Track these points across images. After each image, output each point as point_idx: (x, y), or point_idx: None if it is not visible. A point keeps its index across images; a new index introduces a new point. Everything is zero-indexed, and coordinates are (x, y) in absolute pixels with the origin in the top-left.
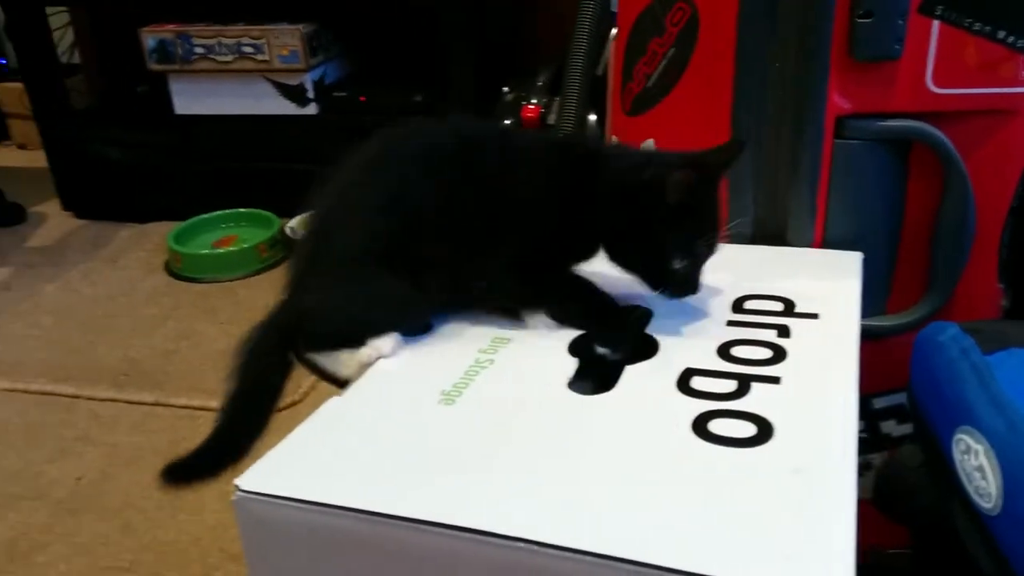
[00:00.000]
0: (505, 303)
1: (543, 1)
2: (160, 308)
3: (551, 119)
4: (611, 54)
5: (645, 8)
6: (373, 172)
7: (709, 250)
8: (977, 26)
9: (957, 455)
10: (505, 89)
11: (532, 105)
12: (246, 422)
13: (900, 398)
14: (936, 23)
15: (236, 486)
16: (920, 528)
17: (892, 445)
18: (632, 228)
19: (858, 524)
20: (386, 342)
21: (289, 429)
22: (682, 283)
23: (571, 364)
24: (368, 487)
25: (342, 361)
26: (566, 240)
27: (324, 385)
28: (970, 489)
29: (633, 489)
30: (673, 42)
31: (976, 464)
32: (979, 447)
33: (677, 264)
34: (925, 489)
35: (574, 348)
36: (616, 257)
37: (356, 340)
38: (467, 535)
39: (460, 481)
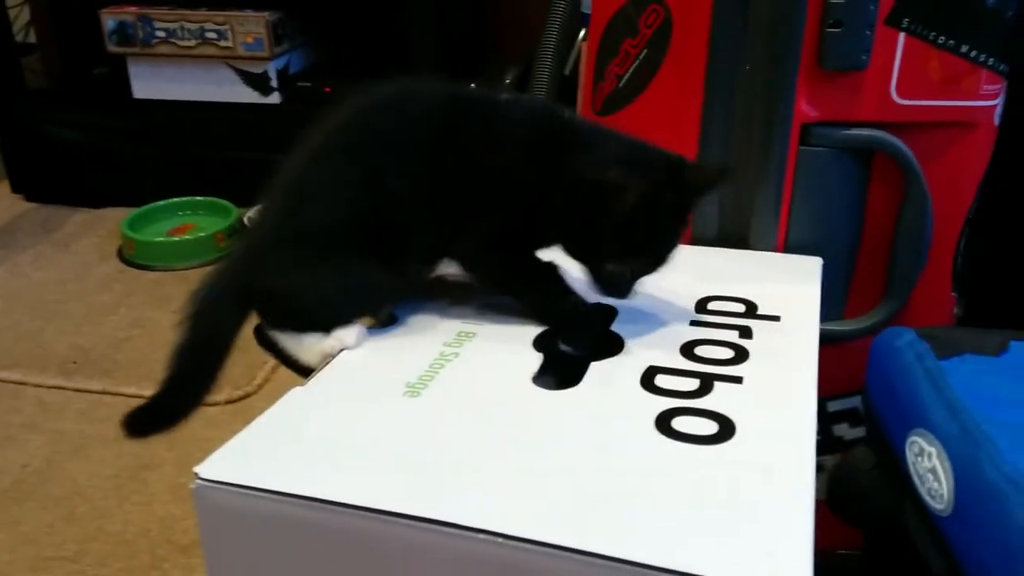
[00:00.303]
0: (479, 285)
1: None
2: (112, 295)
3: None
4: (583, 53)
5: (619, 9)
6: (346, 141)
7: (645, 268)
8: (941, 39)
9: (910, 457)
10: (472, 86)
11: None
12: (199, 373)
13: (854, 402)
14: (902, 35)
15: (196, 474)
16: (872, 529)
17: (844, 448)
18: (580, 221)
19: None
20: (350, 333)
21: (244, 420)
22: (608, 285)
23: (536, 359)
24: (329, 477)
25: (305, 346)
26: (538, 221)
27: (279, 377)
28: (922, 491)
29: (596, 483)
30: (646, 43)
31: (929, 466)
32: (932, 449)
33: (610, 267)
34: (878, 490)
35: (539, 343)
36: (563, 242)
37: (323, 325)
38: (429, 526)
39: (423, 473)
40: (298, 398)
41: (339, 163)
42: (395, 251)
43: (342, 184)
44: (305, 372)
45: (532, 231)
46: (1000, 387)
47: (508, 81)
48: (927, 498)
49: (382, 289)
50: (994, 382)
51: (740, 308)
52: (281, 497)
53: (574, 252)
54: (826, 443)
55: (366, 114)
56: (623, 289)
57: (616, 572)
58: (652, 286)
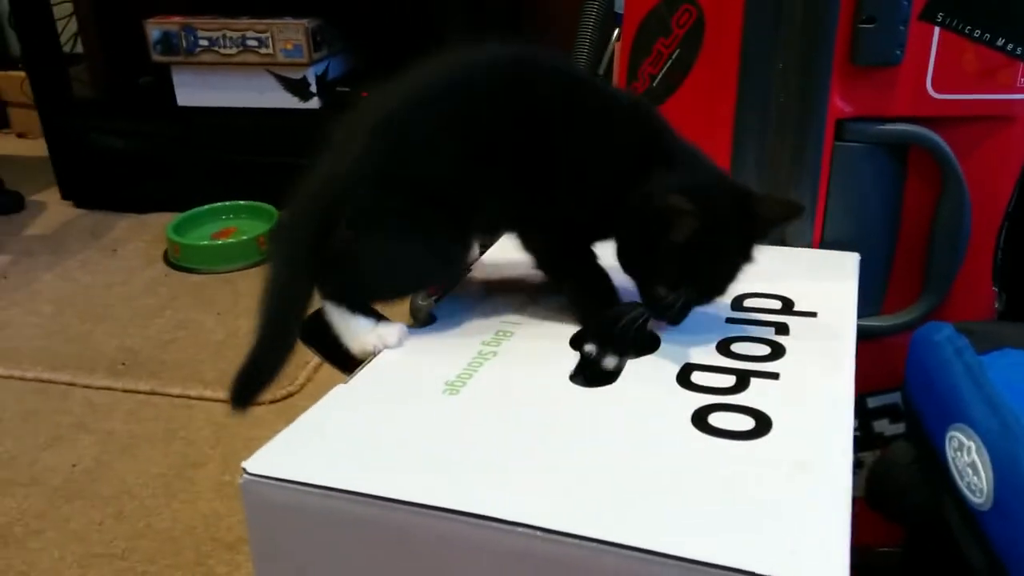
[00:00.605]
0: (533, 266)
1: (544, 7)
2: (158, 298)
3: None
4: (616, 53)
5: (651, 9)
6: (450, 95)
7: (699, 297)
8: (977, 33)
9: (950, 452)
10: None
11: None
12: (283, 326)
13: (893, 398)
14: (937, 29)
15: (243, 469)
16: (912, 525)
17: (884, 444)
18: (640, 239)
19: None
20: (392, 333)
21: (288, 419)
22: (655, 307)
23: (573, 357)
24: (373, 472)
25: (352, 331)
26: (603, 223)
27: (321, 377)
28: (962, 485)
29: (632, 478)
30: (679, 43)
31: (969, 460)
32: (972, 444)
33: (662, 292)
34: (917, 486)
35: (576, 342)
36: (620, 254)
37: (384, 292)
38: (470, 520)
39: (463, 468)
40: (341, 396)
41: (444, 115)
42: (466, 219)
43: (447, 137)
44: (347, 369)
45: (596, 229)
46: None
47: None
48: (967, 492)
49: (450, 261)
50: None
51: (777, 305)
52: (327, 492)
53: (627, 266)
54: (866, 439)
55: (473, 73)
56: (673, 315)
57: (649, 564)
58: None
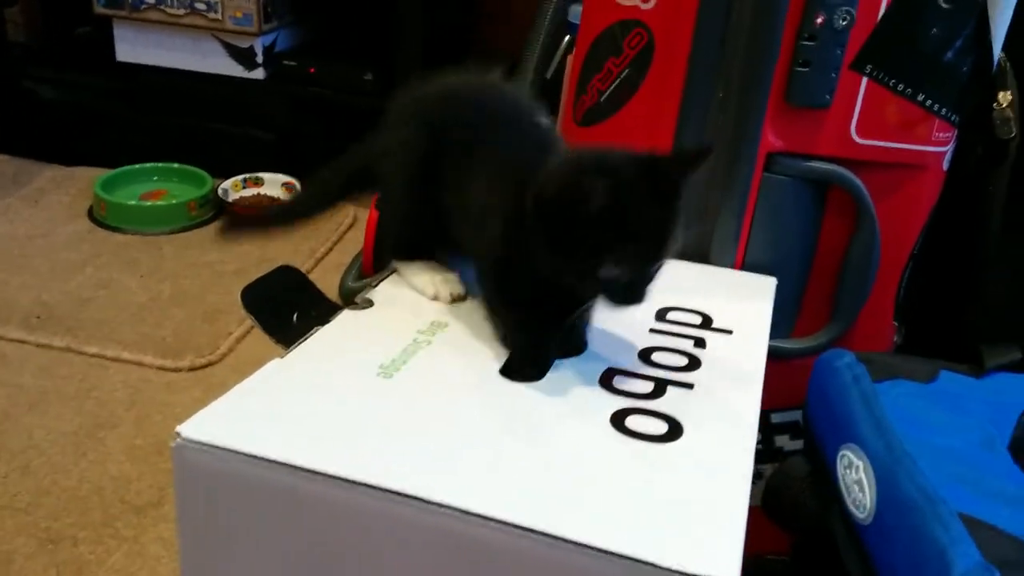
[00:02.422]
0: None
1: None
2: (79, 254)
3: None
4: (568, 65)
5: (606, 28)
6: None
7: (643, 265)
8: (901, 87)
9: (840, 469)
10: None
11: None
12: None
13: (795, 415)
14: (865, 80)
15: (177, 433)
16: (802, 534)
17: (783, 458)
18: (556, 237)
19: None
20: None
21: (205, 388)
22: (613, 294)
23: (503, 353)
24: (304, 446)
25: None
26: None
27: (243, 348)
28: (848, 500)
29: (553, 469)
30: (628, 63)
31: (856, 478)
32: (860, 463)
33: (605, 272)
34: (809, 499)
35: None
36: (545, 268)
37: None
38: (393, 497)
39: (393, 448)
40: (276, 369)
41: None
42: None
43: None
44: (285, 341)
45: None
46: (927, 411)
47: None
48: (852, 507)
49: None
50: (922, 406)
51: (697, 320)
52: (257, 460)
53: (559, 273)
54: (767, 452)
55: (435, 99)
56: (634, 294)
57: (559, 550)
58: None
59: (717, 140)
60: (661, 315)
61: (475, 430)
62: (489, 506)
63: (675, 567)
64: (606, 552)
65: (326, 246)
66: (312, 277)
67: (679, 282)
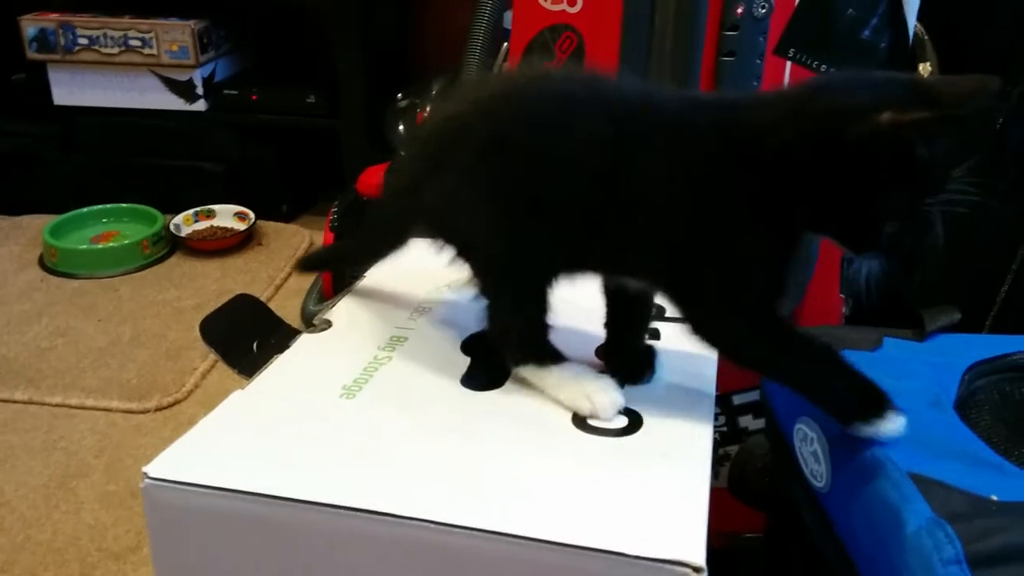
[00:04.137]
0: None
1: (435, 10)
2: (33, 304)
3: None
4: (503, 73)
5: (536, 34)
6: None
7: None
8: (823, 67)
9: (797, 442)
10: (399, 95)
11: (426, 112)
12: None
13: (756, 395)
14: (789, 64)
15: (144, 473)
16: (770, 510)
17: (747, 438)
18: (845, 188)
19: (719, 510)
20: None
21: (174, 426)
22: (896, 252)
23: (464, 362)
24: (271, 474)
25: (554, 381)
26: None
27: (209, 383)
28: (807, 471)
29: (519, 473)
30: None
31: (812, 450)
32: (813, 435)
33: (889, 229)
34: (771, 474)
35: (466, 347)
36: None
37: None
38: (365, 515)
39: (361, 467)
40: (239, 401)
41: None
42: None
43: None
44: (245, 371)
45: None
46: (874, 378)
47: (434, 92)
48: (810, 478)
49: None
50: (868, 373)
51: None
52: (226, 493)
53: (844, 236)
54: (732, 434)
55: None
56: (909, 247)
57: (530, 549)
58: (573, 293)
59: None
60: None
61: (439, 441)
62: (459, 515)
63: (643, 554)
64: (575, 547)
65: (284, 272)
66: (273, 304)
67: None
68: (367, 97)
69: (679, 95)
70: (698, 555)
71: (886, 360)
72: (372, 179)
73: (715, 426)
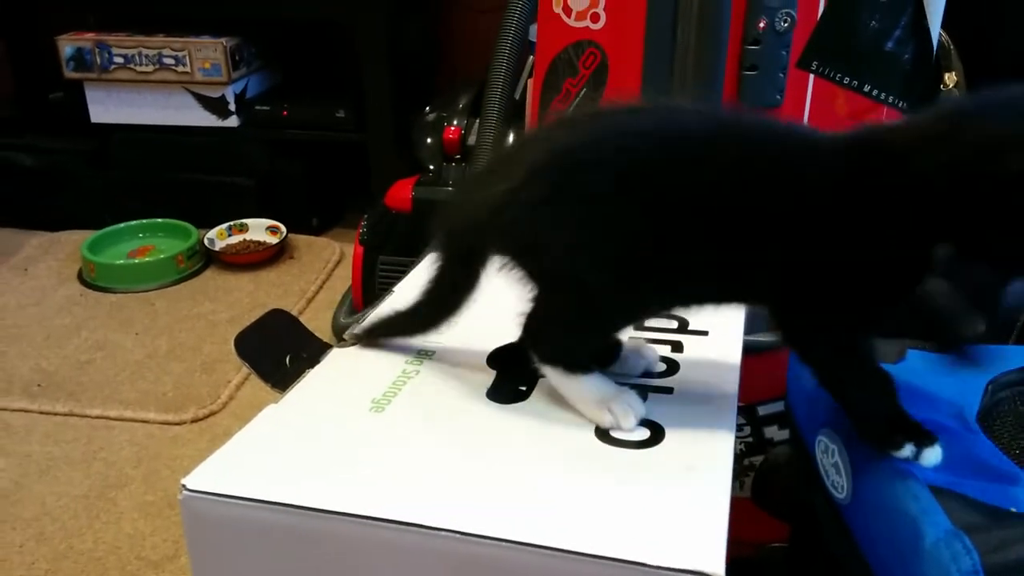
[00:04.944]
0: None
1: (461, 24)
2: (73, 318)
3: (471, 140)
4: (529, 89)
5: (560, 51)
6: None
7: None
8: (846, 80)
9: (819, 454)
10: (427, 109)
11: (453, 126)
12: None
13: (781, 406)
14: (812, 77)
15: (183, 486)
16: (793, 521)
17: (772, 448)
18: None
19: (745, 520)
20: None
21: (210, 438)
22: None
23: (490, 375)
24: (304, 485)
25: (581, 391)
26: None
27: (243, 395)
28: (828, 483)
29: (542, 485)
30: (585, 83)
31: (832, 461)
32: (835, 446)
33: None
34: (794, 485)
35: (492, 360)
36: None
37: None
38: (394, 526)
39: (389, 479)
40: (273, 415)
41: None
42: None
43: None
44: (280, 386)
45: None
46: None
47: (462, 106)
48: (832, 490)
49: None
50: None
51: (673, 324)
52: (262, 504)
53: (995, 265)
54: (757, 444)
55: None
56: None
57: (556, 560)
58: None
59: None
60: (640, 324)
61: (466, 454)
62: (487, 526)
63: (662, 564)
64: (598, 557)
65: (315, 285)
66: (304, 317)
67: None
68: (394, 111)
69: (803, 129)
70: (717, 564)
71: (910, 372)
72: (401, 192)
73: (740, 436)
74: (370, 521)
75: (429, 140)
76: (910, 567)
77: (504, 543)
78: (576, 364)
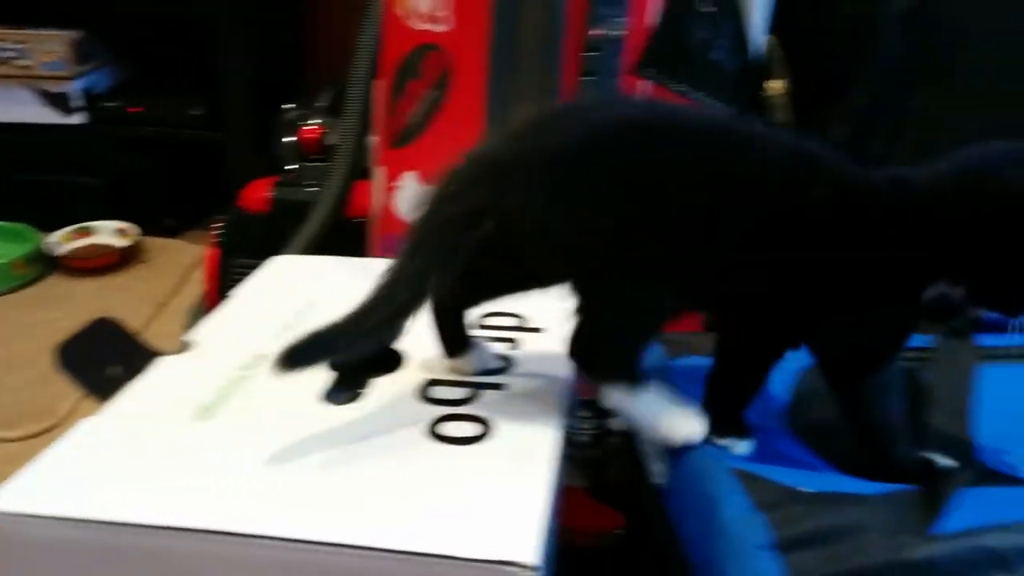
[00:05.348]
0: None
1: (329, 21)
2: None
3: (331, 140)
4: (377, 91)
5: (405, 53)
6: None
7: None
8: (678, 86)
9: (643, 440)
10: (288, 106)
11: (312, 125)
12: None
13: None
14: (645, 83)
15: None
16: (625, 508)
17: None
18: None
19: (588, 510)
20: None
21: None
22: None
23: (326, 378)
24: (123, 500)
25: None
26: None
27: (85, 410)
28: (651, 469)
29: (372, 486)
30: (431, 85)
31: (655, 448)
32: None
33: None
34: (625, 473)
35: (332, 363)
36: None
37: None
38: (220, 537)
39: (211, 489)
40: (89, 427)
41: None
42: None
43: None
44: (104, 398)
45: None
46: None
47: (323, 104)
48: (655, 476)
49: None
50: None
51: (512, 322)
52: (74, 523)
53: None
54: (603, 436)
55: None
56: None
57: (381, 560)
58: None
59: None
60: (480, 321)
61: (295, 459)
62: (310, 531)
63: (476, 557)
64: (416, 554)
65: (169, 290)
66: (156, 324)
67: None
68: (254, 109)
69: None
70: (530, 555)
71: None
72: (256, 193)
73: (586, 429)
74: (191, 533)
75: (287, 139)
76: (712, 544)
77: (328, 547)
78: (638, 377)
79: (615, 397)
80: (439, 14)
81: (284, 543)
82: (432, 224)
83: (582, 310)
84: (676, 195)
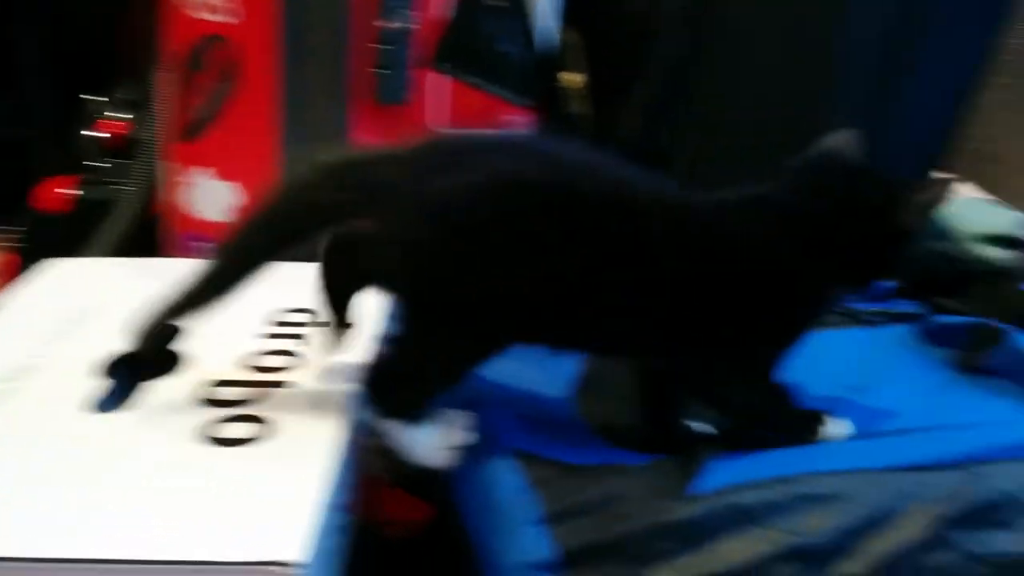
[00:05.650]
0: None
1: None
2: None
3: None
4: (163, 85)
5: (191, 44)
6: None
7: None
8: (471, 79)
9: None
10: (93, 98)
11: (114, 120)
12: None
13: None
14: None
15: None
16: (428, 496)
17: None
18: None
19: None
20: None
21: None
22: None
23: (100, 386)
24: None
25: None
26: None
27: None
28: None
29: (137, 497)
30: (218, 76)
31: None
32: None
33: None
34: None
35: (109, 369)
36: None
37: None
38: None
39: None
40: None
41: None
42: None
43: None
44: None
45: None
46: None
47: (129, 98)
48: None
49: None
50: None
51: (306, 318)
52: None
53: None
54: None
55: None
56: None
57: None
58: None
59: (318, 140)
60: (272, 317)
61: (54, 474)
62: (61, 548)
63: (238, 560)
64: (174, 563)
65: None
66: None
67: (301, 282)
68: (60, 103)
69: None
70: (295, 553)
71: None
72: (47, 193)
73: None
74: None
75: (88, 134)
76: (488, 522)
77: (84, 564)
78: (421, 415)
79: (389, 426)
80: (222, 4)
81: (31, 564)
82: (288, 201)
83: (399, 343)
84: (557, 259)
